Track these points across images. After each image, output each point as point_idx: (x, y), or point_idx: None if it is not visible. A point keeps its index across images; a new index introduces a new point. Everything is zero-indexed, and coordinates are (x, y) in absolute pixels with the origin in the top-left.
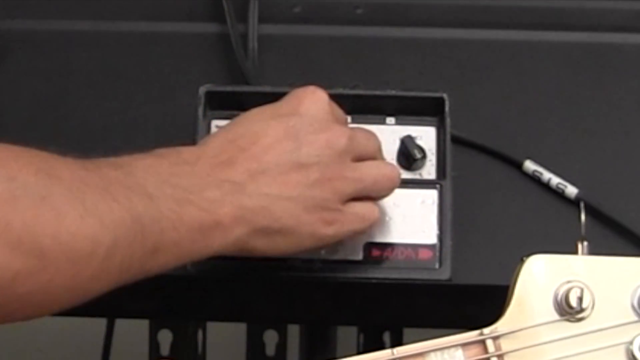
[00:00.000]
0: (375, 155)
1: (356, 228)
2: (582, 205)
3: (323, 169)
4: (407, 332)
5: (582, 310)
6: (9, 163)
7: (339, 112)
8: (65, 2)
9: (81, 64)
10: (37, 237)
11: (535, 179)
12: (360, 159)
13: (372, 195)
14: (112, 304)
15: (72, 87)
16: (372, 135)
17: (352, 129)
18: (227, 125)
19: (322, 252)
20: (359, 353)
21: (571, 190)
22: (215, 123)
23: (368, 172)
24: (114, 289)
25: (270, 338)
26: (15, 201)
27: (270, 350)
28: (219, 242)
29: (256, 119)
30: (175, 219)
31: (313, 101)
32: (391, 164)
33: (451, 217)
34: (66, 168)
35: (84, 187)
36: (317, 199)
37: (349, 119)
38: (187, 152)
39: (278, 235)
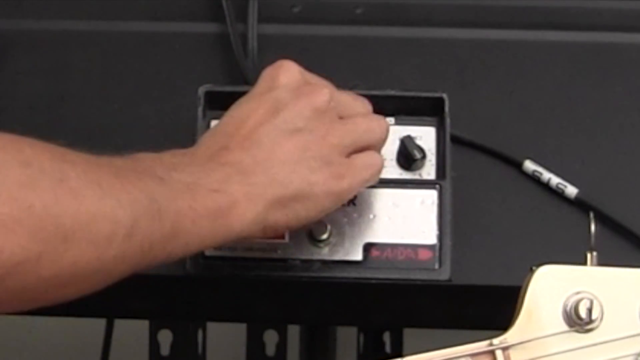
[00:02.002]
0: (364, 115)
1: (366, 177)
2: (592, 215)
3: (313, 130)
4: (407, 332)
5: (591, 321)
6: (24, 149)
7: (316, 79)
8: (65, 2)
9: (81, 64)
10: (59, 219)
11: (535, 179)
12: (347, 117)
13: (368, 146)
14: (112, 304)
15: (72, 87)
16: (360, 98)
17: (336, 89)
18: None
19: (322, 251)
20: (359, 353)
21: (571, 190)
22: (215, 123)
23: (358, 122)
24: (115, 289)
25: (270, 338)
26: (34, 185)
27: (270, 350)
28: (238, 223)
29: (237, 107)
30: (189, 199)
31: (285, 73)
32: (379, 116)
33: (451, 217)
34: (77, 155)
35: (98, 171)
36: (317, 158)
37: None
38: (181, 150)
39: (294, 202)
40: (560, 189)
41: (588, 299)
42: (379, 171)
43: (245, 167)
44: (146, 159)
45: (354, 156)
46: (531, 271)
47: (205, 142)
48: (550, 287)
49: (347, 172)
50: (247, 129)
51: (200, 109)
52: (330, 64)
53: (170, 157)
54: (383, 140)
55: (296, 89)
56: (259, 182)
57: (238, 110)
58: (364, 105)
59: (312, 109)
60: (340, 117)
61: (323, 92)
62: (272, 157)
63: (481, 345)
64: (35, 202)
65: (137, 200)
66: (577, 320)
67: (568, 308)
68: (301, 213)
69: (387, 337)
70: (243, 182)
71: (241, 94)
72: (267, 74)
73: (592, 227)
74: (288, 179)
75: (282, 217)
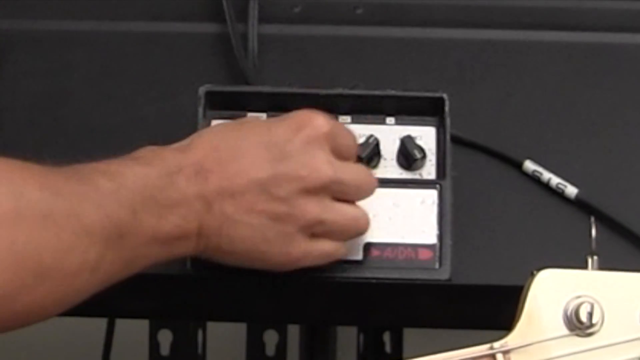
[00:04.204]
0: (354, 206)
1: (317, 264)
2: (592, 219)
3: (292, 205)
4: (407, 332)
5: (592, 325)
6: (14, 179)
7: (342, 141)
8: (65, 2)
9: (81, 64)
10: (40, 254)
11: (535, 179)
12: (341, 198)
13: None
14: (112, 304)
15: (72, 87)
16: (369, 181)
17: (346, 166)
18: (225, 124)
19: None
20: (359, 353)
21: (571, 190)
22: (215, 123)
23: (346, 212)
24: (115, 288)
25: (270, 338)
26: (21, 220)
27: (270, 350)
28: (182, 251)
29: (249, 133)
30: (151, 234)
31: (309, 132)
32: (362, 210)
33: (451, 217)
34: (65, 183)
35: (82, 203)
36: (280, 232)
37: (349, 119)
38: (172, 158)
39: (235, 255)
40: (560, 189)
41: (589, 302)
42: (333, 259)
43: (209, 208)
44: (132, 180)
45: (316, 241)
46: (532, 275)
47: (198, 152)
48: (551, 291)
49: (299, 258)
50: (236, 167)
51: (200, 109)
52: (330, 64)
53: (158, 175)
54: (361, 231)
55: (308, 155)
56: (211, 226)
57: (247, 138)
58: (367, 190)
59: (305, 187)
60: (334, 198)
61: (327, 173)
62: (237, 209)
63: (482, 349)
64: (19, 238)
65: (110, 237)
66: (578, 324)
67: (569, 312)
68: (235, 263)
69: (387, 337)
70: (201, 221)
71: (241, 94)
72: (295, 121)
73: (593, 231)
74: (236, 236)
75: (218, 259)
